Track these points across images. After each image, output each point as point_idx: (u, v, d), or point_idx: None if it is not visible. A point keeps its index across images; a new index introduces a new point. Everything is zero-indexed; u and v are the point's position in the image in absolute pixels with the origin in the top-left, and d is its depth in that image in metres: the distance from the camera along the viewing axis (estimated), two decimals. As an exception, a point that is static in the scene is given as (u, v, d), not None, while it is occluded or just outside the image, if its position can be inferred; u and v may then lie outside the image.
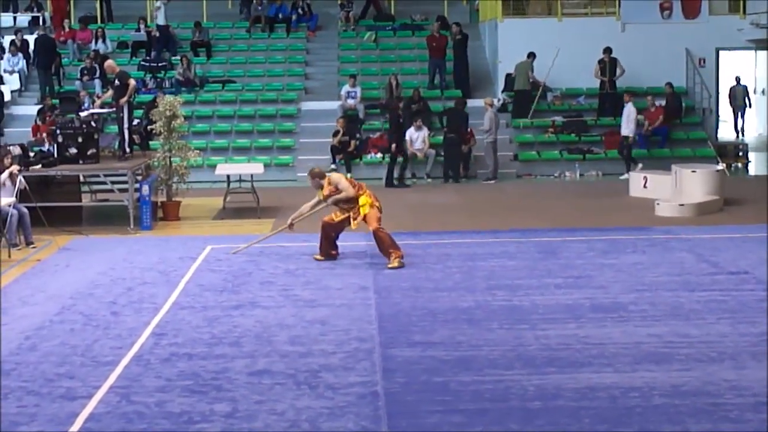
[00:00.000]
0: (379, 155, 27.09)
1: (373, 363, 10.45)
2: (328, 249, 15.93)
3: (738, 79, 33.73)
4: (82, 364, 10.60)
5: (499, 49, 29.94)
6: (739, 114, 33.98)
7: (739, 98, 33.83)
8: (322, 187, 15.79)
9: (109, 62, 22.24)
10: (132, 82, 20.74)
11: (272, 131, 28.79)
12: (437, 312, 12.52)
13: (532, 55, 28.61)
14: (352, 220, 15.58)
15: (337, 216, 15.76)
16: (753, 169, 28.45)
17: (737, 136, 33.04)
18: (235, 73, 31.36)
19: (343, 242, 16.15)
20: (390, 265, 15.12)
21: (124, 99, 20.24)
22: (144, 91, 29.08)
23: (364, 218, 15.48)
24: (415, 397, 9.37)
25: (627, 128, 26.09)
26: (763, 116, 34.72)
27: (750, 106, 34.24)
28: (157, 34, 31.56)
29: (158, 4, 31.78)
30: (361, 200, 15.56)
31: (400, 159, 25.56)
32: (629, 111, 26.06)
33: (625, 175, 25.44)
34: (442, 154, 26.44)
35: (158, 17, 31.79)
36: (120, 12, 34.48)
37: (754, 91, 34.80)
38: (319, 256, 15.87)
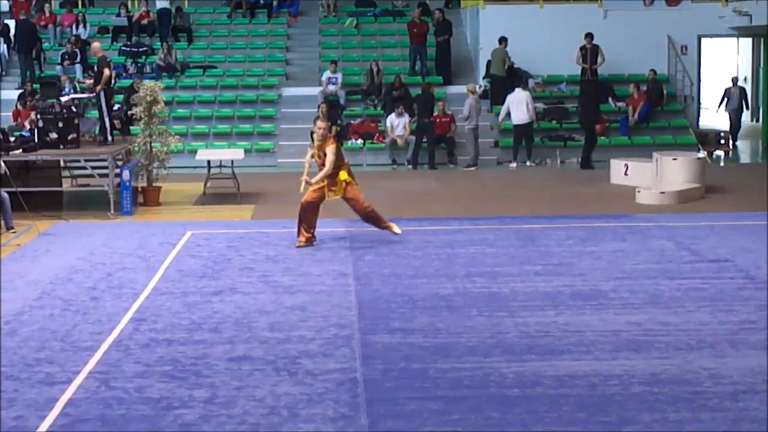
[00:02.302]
0: (360, 141, 27.07)
1: (352, 349, 10.45)
2: (305, 230, 15.77)
3: (735, 80, 30.75)
4: (61, 349, 10.58)
5: (481, 36, 29.91)
6: (736, 119, 29.98)
7: (735, 101, 29.94)
8: (323, 139, 15.57)
9: (95, 44, 21.97)
10: (106, 72, 20.34)
11: (253, 117, 28.73)
12: (417, 299, 12.52)
13: (504, 41, 28.52)
14: (327, 191, 15.56)
15: (314, 190, 15.64)
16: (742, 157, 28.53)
17: (732, 143, 29.33)
18: (216, 58, 31.24)
19: (323, 228, 16.13)
20: (397, 231, 15.97)
21: (99, 87, 20.16)
22: (125, 76, 28.96)
23: (345, 192, 15.55)
24: (394, 383, 9.37)
25: (527, 115, 26.01)
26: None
27: (748, 108, 31.65)
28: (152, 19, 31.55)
29: None
30: (341, 175, 15.58)
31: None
32: (524, 97, 26.06)
33: (529, 162, 26.22)
34: (425, 140, 26.34)
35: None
36: (100, -3, 34.39)
37: (736, 79, 34.48)
38: (300, 243, 15.79)
